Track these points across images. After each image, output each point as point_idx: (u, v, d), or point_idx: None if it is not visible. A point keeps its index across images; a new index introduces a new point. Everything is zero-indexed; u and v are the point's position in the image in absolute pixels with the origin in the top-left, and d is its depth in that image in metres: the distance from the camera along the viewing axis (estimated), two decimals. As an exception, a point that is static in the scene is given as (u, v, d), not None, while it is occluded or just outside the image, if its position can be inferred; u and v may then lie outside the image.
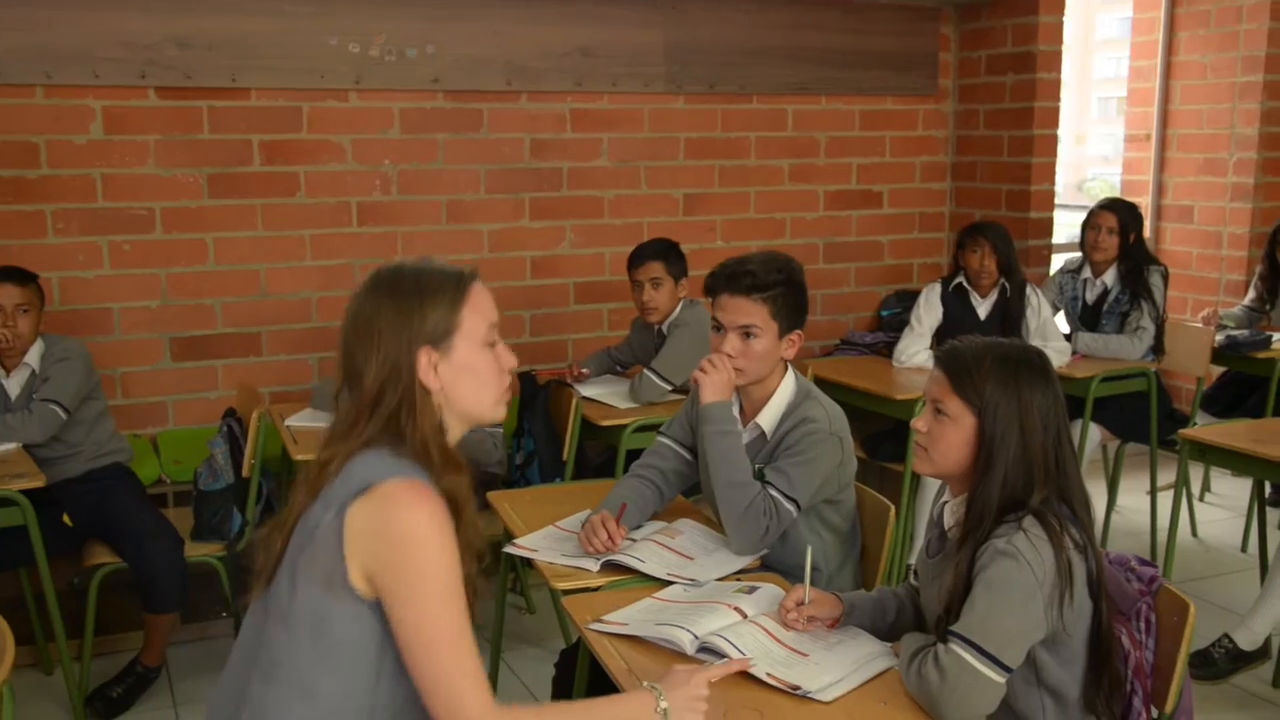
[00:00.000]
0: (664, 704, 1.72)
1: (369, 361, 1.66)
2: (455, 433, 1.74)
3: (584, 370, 4.20)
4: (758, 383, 2.64)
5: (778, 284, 2.61)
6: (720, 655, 2.01)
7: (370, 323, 1.67)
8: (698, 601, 2.22)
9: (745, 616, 2.15)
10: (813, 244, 5.16)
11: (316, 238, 4.32)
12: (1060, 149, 5.14)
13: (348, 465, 1.65)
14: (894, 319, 5.12)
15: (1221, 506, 5.26)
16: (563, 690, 2.64)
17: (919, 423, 2.08)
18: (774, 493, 2.52)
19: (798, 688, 1.91)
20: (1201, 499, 5.28)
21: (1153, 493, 4.76)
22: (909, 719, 1.86)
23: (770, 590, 2.26)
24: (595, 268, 4.77)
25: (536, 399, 3.93)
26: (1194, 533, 4.89)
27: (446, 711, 1.59)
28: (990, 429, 1.97)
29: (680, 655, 2.03)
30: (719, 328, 2.62)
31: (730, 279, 2.60)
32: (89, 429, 3.54)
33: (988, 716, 1.94)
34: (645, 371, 3.92)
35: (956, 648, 1.87)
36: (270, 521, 1.75)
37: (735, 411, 2.70)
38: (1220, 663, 3.43)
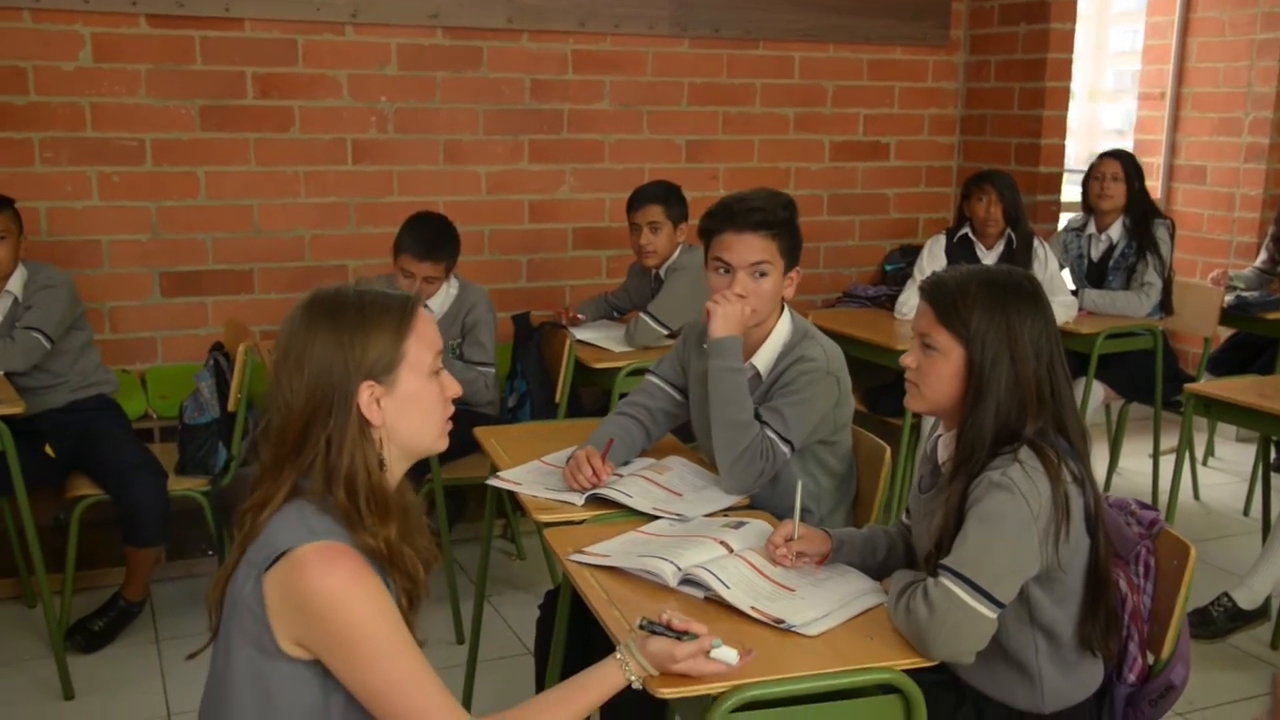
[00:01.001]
0: (631, 675, 1.66)
1: (300, 393, 1.57)
2: (397, 469, 1.66)
3: (579, 315, 4.13)
4: (757, 324, 2.56)
5: (784, 220, 2.53)
6: (703, 588, 1.95)
7: (305, 352, 1.58)
8: (683, 536, 2.16)
9: (731, 551, 2.08)
10: (817, 195, 5.07)
11: (311, 174, 4.24)
12: (1072, 117, 5.02)
13: (270, 522, 1.57)
14: (898, 273, 5.03)
15: (1225, 471, 5.19)
16: (546, 631, 2.58)
17: (908, 359, 2.01)
18: (769, 433, 2.45)
19: (782, 621, 1.85)
20: (1205, 463, 5.21)
21: (1155, 455, 4.69)
22: (896, 655, 1.80)
23: (758, 526, 2.20)
24: (595, 213, 4.68)
25: (530, 341, 3.86)
26: (1196, 495, 4.83)
27: None
28: (979, 359, 1.90)
29: (662, 587, 1.97)
30: (725, 268, 2.51)
31: (737, 216, 2.49)
32: (74, 359, 3.47)
33: (978, 655, 1.88)
34: (641, 315, 3.85)
35: (947, 581, 1.80)
36: (215, 574, 1.67)
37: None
38: (1219, 621, 3.37)
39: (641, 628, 1.69)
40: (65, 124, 3.90)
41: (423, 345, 1.64)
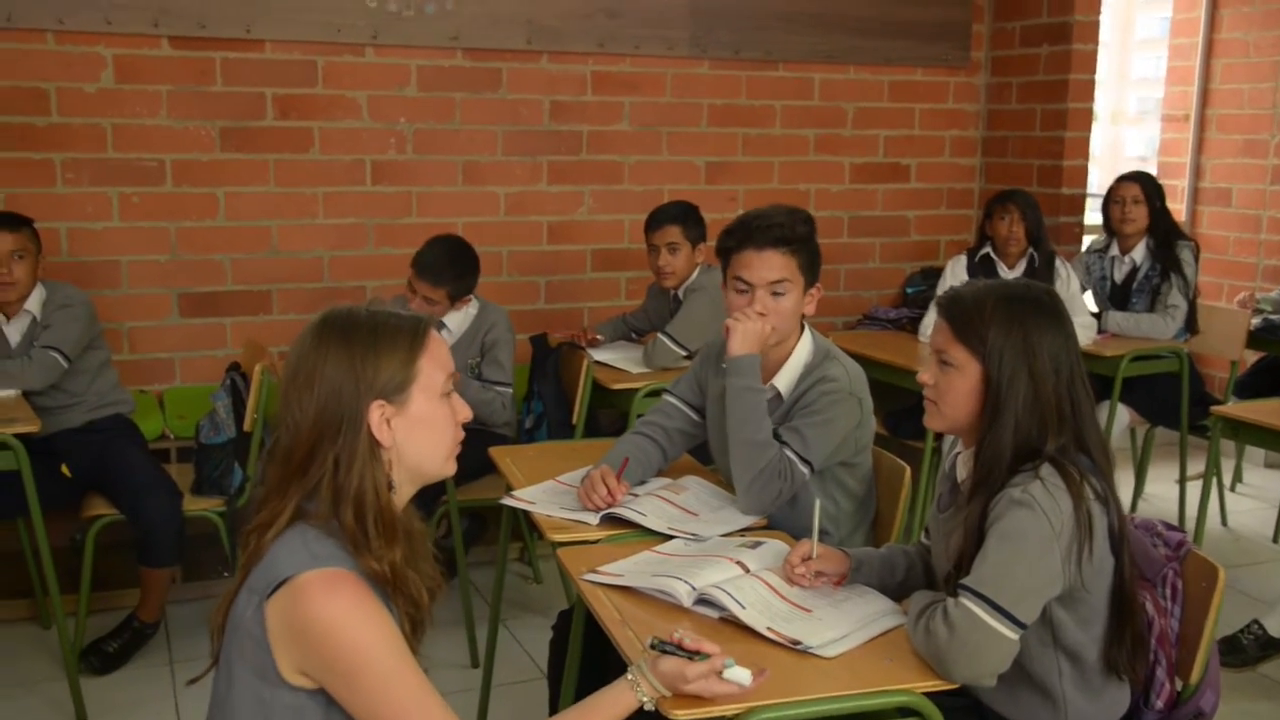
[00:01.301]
0: (643, 696, 1.62)
1: (309, 412, 1.55)
2: (405, 492, 1.63)
3: (597, 336, 4.10)
4: (777, 343, 2.52)
5: (803, 237, 2.50)
6: (719, 608, 1.91)
7: (316, 370, 1.55)
8: (698, 555, 2.12)
9: (748, 571, 2.04)
10: (837, 217, 5.04)
11: (330, 195, 4.24)
12: (1094, 143, 4.97)
13: (274, 545, 1.54)
14: (919, 296, 4.99)
15: (1253, 497, 5.10)
16: (559, 652, 2.54)
17: (924, 375, 1.98)
18: (788, 453, 2.41)
19: (799, 642, 1.81)
20: (1233, 489, 5.12)
21: (1182, 481, 4.62)
22: (916, 678, 1.76)
23: (775, 546, 2.16)
24: (614, 234, 4.67)
25: (547, 361, 3.84)
26: (1224, 522, 4.75)
27: None
28: (996, 375, 1.86)
29: (677, 607, 1.93)
30: (745, 287, 2.48)
31: (757, 232, 2.46)
32: (91, 379, 3.47)
33: (1000, 679, 1.83)
34: (660, 336, 3.83)
35: (967, 601, 1.76)
36: (219, 598, 1.64)
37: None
38: (1249, 649, 3.30)
39: (653, 647, 1.65)
40: (86, 145, 3.91)
41: (435, 366, 1.62)
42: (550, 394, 3.77)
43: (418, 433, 1.60)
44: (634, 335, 4.24)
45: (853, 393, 2.46)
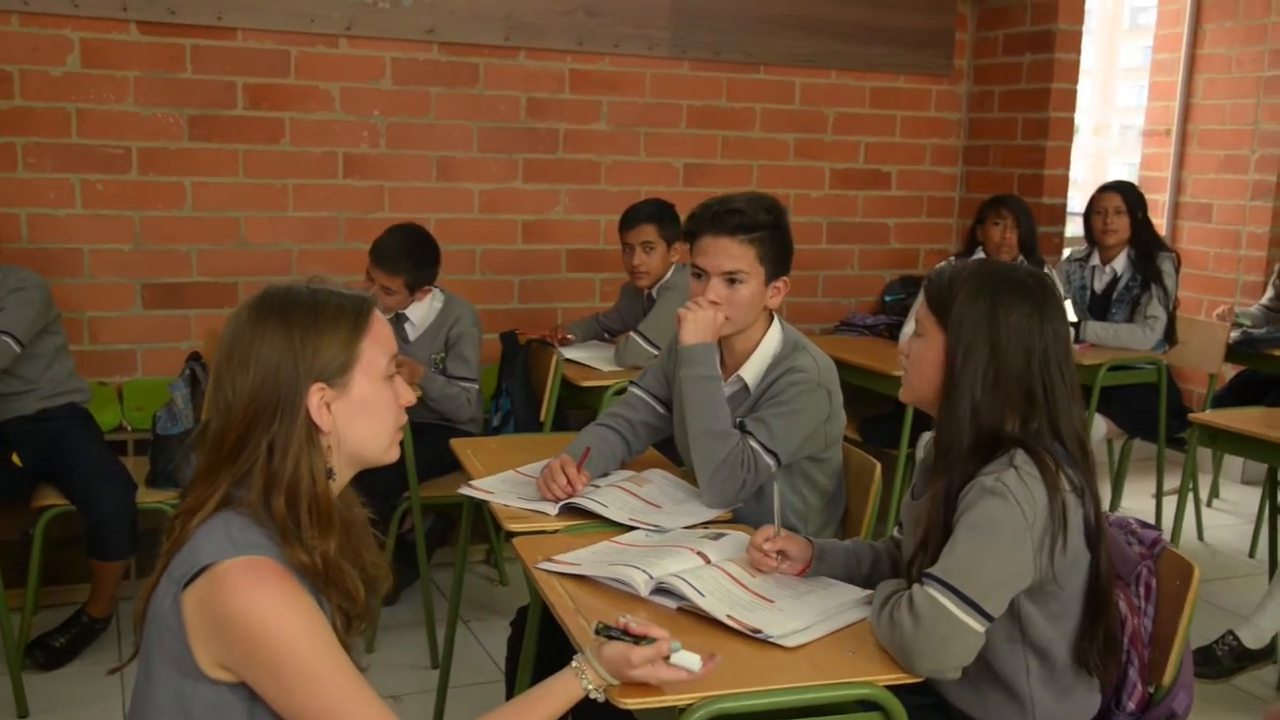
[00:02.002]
0: (588, 685, 1.55)
1: (243, 394, 1.47)
2: (343, 477, 1.56)
3: (569, 335, 4.03)
4: (741, 333, 2.46)
5: (766, 225, 2.43)
6: (677, 597, 1.84)
7: (252, 350, 1.47)
8: (658, 546, 2.05)
9: (709, 561, 1.97)
10: (816, 223, 4.99)
11: (300, 188, 4.17)
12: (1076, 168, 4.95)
13: (196, 533, 1.45)
14: (897, 304, 4.94)
15: (1230, 513, 5.06)
16: (517, 649, 2.46)
17: (903, 345, 1.93)
18: (753, 444, 2.34)
19: (759, 631, 1.74)
20: (1209, 504, 5.08)
21: (1158, 495, 4.58)
22: (879, 670, 1.69)
23: (737, 537, 2.09)
24: (589, 235, 4.60)
25: (516, 359, 3.77)
26: (1200, 536, 4.70)
27: None
28: (953, 343, 1.80)
29: (634, 597, 1.86)
30: (700, 274, 2.43)
31: (714, 219, 2.41)
32: (46, 365, 3.37)
33: (967, 677, 1.77)
34: (632, 335, 3.76)
35: (933, 591, 1.69)
36: (140, 590, 1.55)
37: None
38: (1224, 660, 3.24)
39: (598, 633, 1.58)
40: (50, 129, 3.82)
41: (378, 348, 1.54)
42: (519, 391, 3.70)
43: (359, 418, 1.53)
44: (607, 335, 4.17)
45: (821, 384, 2.39)
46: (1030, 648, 1.82)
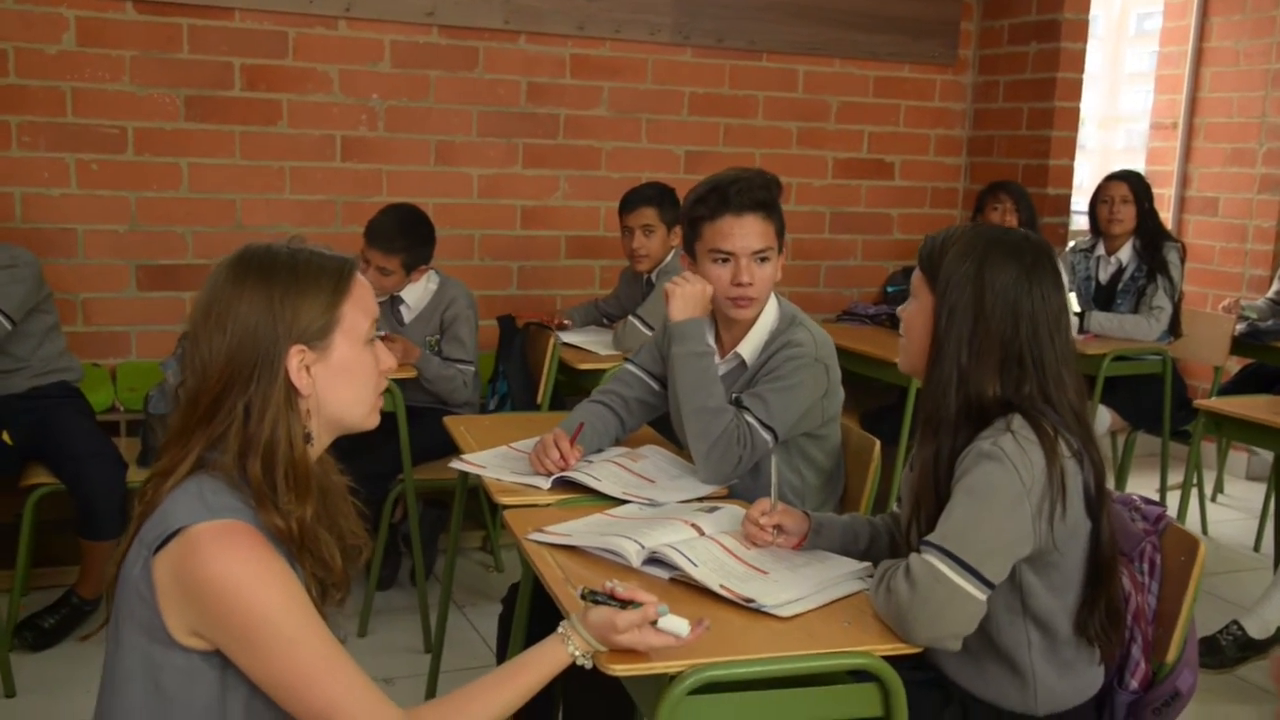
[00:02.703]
0: (574, 651, 1.51)
1: (220, 354, 1.42)
2: (322, 442, 1.52)
3: (566, 320, 3.99)
4: (757, 313, 2.42)
5: (777, 200, 2.39)
6: (670, 567, 1.79)
7: (230, 310, 1.43)
8: (651, 518, 2.01)
9: (702, 533, 1.93)
10: (819, 212, 4.95)
11: (297, 170, 4.13)
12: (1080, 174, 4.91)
13: (169, 496, 1.41)
14: (899, 295, 4.88)
15: (1234, 508, 5.01)
16: (508, 627, 2.42)
17: (901, 309, 1.89)
18: (750, 419, 2.29)
19: (752, 600, 1.69)
20: (1214, 499, 5.03)
21: (1162, 490, 4.53)
22: (875, 642, 1.64)
23: (732, 511, 2.05)
24: (589, 221, 4.56)
25: (514, 342, 3.73)
26: (1205, 530, 4.64)
27: None
28: (940, 305, 1.76)
29: (625, 567, 1.81)
30: (726, 257, 2.34)
31: (736, 196, 2.32)
32: (37, 343, 3.32)
33: (967, 651, 1.72)
34: (630, 318, 3.72)
35: (931, 557, 1.64)
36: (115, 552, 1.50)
37: (712, 341, 2.48)
38: (1228, 650, 3.19)
39: (583, 598, 1.53)
40: (45, 108, 3.79)
41: (359, 311, 1.50)
42: (516, 374, 3.66)
43: (339, 382, 1.49)
44: (606, 320, 4.13)
45: (819, 359, 2.35)
46: (1031, 620, 1.77)
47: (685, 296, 2.33)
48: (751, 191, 2.33)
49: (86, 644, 3.27)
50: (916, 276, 1.84)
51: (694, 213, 2.39)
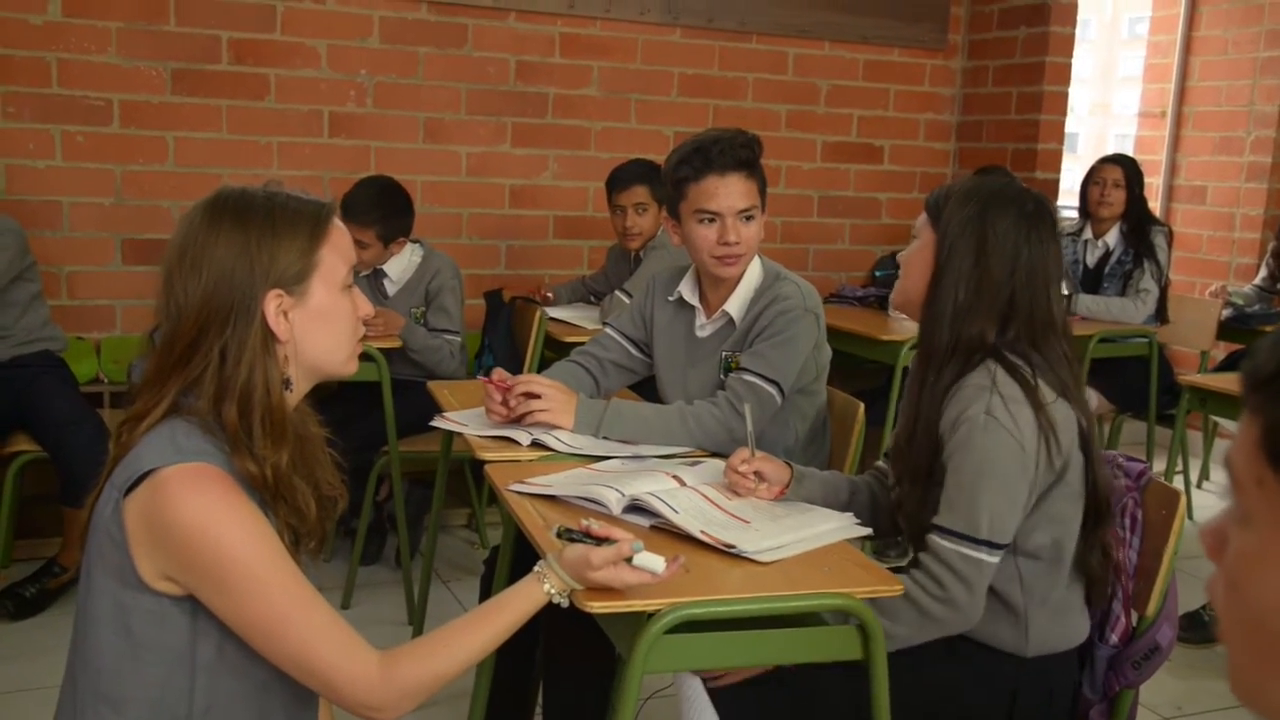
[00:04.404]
0: (550, 589, 1.50)
1: (195, 297, 1.41)
2: (301, 388, 1.50)
3: (549, 295, 3.98)
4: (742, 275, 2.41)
5: (759, 158, 2.39)
6: (651, 515, 1.79)
7: (206, 253, 1.41)
8: (633, 471, 2.00)
9: (684, 484, 1.92)
10: (807, 196, 4.94)
11: (284, 145, 4.11)
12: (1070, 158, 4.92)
13: (142, 439, 1.40)
14: (888, 279, 4.88)
15: (1220, 494, 5.01)
16: (488, 589, 2.41)
17: (901, 254, 1.91)
18: (751, 378, 2.28)
19: (733, 546, 1.68)
20: (1200, 486, 5.04)
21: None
22: (855, 585, 1.63)
23: (714, 464, 2.05)
24: (578, 201, 4.55)
25: (500, 315, 3.72)
26: (1190, 516, 4.62)
27: (324, 689, 1.40)
28: (941, 242, 1.79)
29: (606, 517, 1.80)
30: (711, 217, 2.33)
31: (719, 155, 2.31)
32: (21, 312, 3.31)
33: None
34: (617, 292, 3.71)
35: (965, 549, 1.71)
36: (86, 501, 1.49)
37: (696, 301, 2.48)
38: (1210, 625, 3.20)
39: (559, 535, 1.53)
40: (30, 79, 3.77)
41: (337, 256, 1.49)
42: (502, 348, 3.65)
43: (317, 327, 1.47)
44: (593, 298, 4.13)
45: (808, 309, 2.35)
46: (1022, 556, 1.79)
47: (559, 412, 2.25)
48: (734, 151, 2.33)
49: (65, 614, 3.25)
50: (921, 219, 1.88)
51: (678, 174, 2.39)
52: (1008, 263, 1.76)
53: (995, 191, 1.81)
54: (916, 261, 1.85)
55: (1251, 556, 0.67)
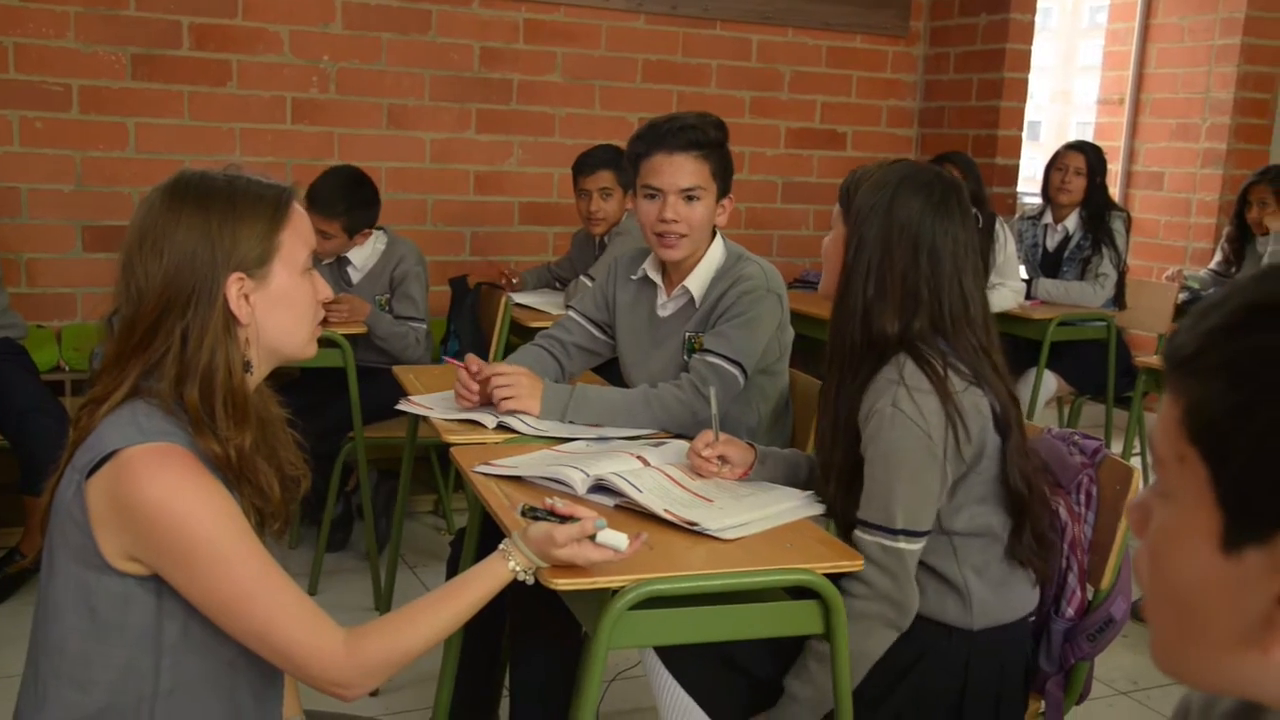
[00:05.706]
0: (515, 567, 1.51)
1: (156, 280, 1.40)
2: (261, 371, 1.51)
3: (515, 280, 3.99)
4: (691, 254, 2.43)
5: (716, 141, 2.41)
6: (615, 494, 1.81)
7: (167, 236, 1.41)
8: (598, 452, 2.02)
9: (648, 465, 1.94)
10: (771, 182, 4.97)
11: (247, 132, 4.09)
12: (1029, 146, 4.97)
13: (104, 420, 1.40)
14: (851, 264, 4.93)
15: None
16: (454, 571, 2.43)
17: (823, 244, 1.94)
18: (714, 359, 2.30)
19: (696, 524, 1.71)
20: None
21: (1107, 455, 4.59)
22: (817, 560, 1.66)
23: (678, 445, 2.07)
24: (542, 188, 4.56)
25: (465, 301, 3.72)
26: (1148, 496, 4.72)
27: (289, 666, 1.41)
28: (850, 233, 1.80)
29: (571, 496, 1.82)
30: (654, 194, 2.38)
31: (668, 136, 2.35)
32: (-21, 300, 3.29)
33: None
34: (581, 277, 3.72)
35: (882, 539, 1.73)
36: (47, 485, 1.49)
37: (658, 278, 2.49)
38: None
39: (523, 514, 1.54)
40: (-13, 64, 3.74)
41: (297, 240, 1.49)
42: (467, 333, 3.65)
43: (278, 311, 1.48)
44: (558, 284, 4.13)
45: (771, 289, 2.37)
46: (950, 535, 1.81)
47: (528, 391, 2.26)
48: (686, 131, 2.36)
49: (27, 604, 3.23)
50: (836, 209, 1.88)
51: (632, 149, 2.45)
52: (910, 252, 1.76)
53: (903, 179, 1.80)
54: (832, 254, 1.87)
55: (1171, 531, 0.70)
